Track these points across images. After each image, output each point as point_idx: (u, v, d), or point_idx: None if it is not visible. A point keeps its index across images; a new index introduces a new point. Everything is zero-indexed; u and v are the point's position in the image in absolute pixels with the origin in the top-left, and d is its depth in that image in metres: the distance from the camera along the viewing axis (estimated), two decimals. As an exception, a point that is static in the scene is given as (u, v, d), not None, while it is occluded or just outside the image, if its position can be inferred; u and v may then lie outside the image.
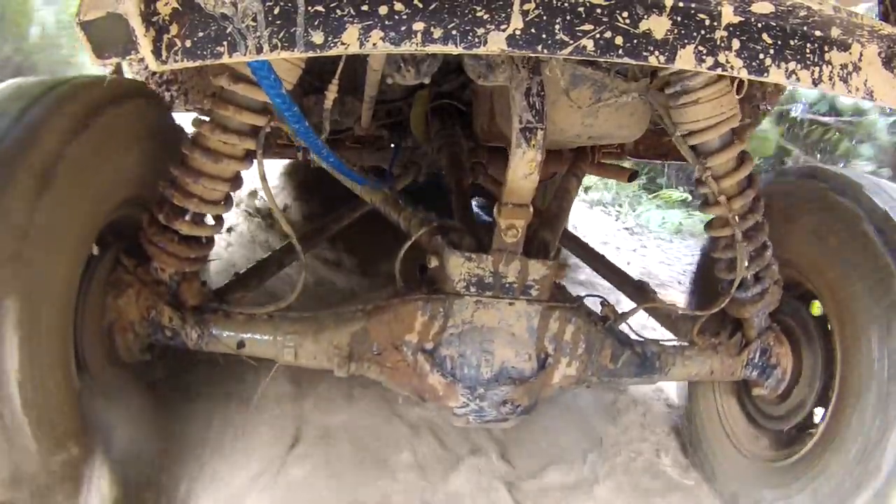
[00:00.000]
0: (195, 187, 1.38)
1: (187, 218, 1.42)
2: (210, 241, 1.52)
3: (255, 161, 1.35)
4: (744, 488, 1.75)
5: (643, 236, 5.17)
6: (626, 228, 5.32)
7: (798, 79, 0.93)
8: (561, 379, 1.56)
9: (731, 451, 1.85)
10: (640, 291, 1.98)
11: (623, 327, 1.64)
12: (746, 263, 1.51)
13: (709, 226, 1.60)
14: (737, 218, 1.46)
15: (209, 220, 1.49)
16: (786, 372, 1.70)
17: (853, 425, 1.47)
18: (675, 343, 1.72)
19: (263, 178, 1.35)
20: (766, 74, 0.91)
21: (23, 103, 1.17)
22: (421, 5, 0.83)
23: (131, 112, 1.39)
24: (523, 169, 1.30)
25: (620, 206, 5.87)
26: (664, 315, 1.89)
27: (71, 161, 1.17)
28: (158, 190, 1.40)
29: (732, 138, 1.40)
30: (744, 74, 0.91)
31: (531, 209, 1.41)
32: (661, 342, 1.70)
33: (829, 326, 1.63)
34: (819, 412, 1.64)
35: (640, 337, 1.68)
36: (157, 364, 1.61)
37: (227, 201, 1.47)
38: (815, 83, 0.94)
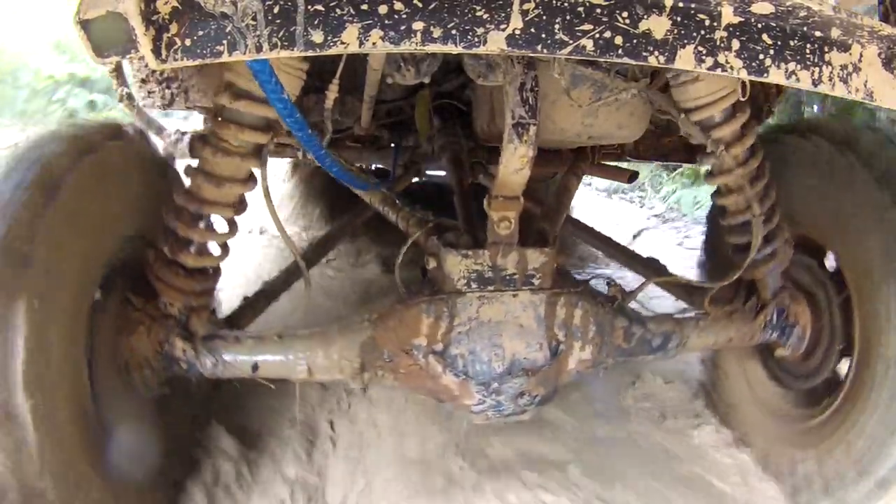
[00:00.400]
0: (199, 215, 1.40)
1: (192, 250, 1.44)
2: (217, 272, 1.53)
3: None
4: (777, 450, 1.74)
5: (680, 223, 4.53)
6: (657, 216, 4.74)
7: (798, 79, 0.93)
8: (577, 364, 1.55)
9: (761, 413, 1.84)
10: (650, 267, 1.98)
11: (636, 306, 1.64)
12: (761, 221, 1.50)
13: (717, 193, 1.60)
14: (748, 187, 1.46)
15: (215, 250, 1.50)
16: (805, 329, 1.69)
17: (879, 374, 1.46)
18: (689, 315, 1.71)
19: (267, 196, 1.36)
20: (765, 75, 0.91)
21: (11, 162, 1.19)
22: (420, 5, 0.83)
23: (114, 154, 1.39)
24: (514, 164, 1.30)
25: (642, 190, 5.34)
26: (678, 287, 1.88)
27: (61, 207, 1.18)
28: (160, 224, 1.42)
29: (735, 111, 1.40)
30: (743, 75, 0.91)
31: (522, 201, 1.41)
32: (674, 315, 1.69)
33: (843, 278, 1.62)
34: (845, 366, 1.62)
35: (652, 312, 1.67)
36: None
37: (232, 228, 1.48)
38: (815, 84, 0.94)
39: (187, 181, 1.41)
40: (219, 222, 1.48)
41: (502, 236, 1.44)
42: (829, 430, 1.57)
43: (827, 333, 1.67)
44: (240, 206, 1.45)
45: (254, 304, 1.77)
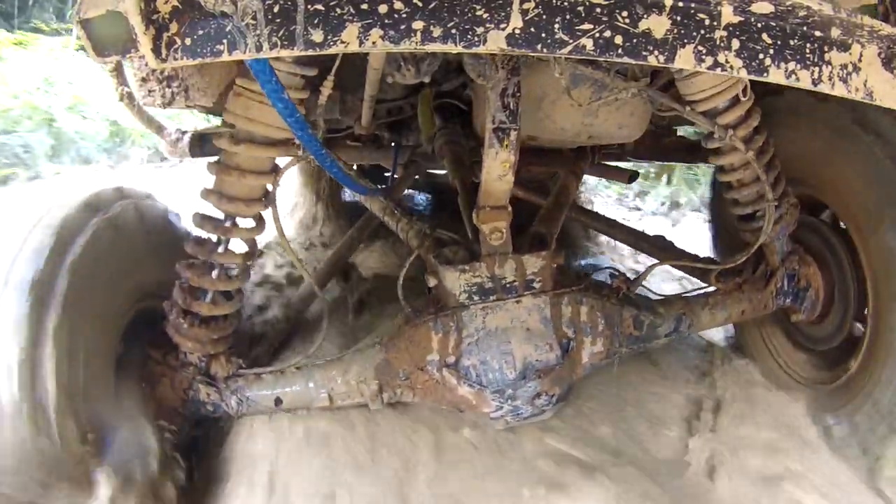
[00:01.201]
0: (211, 262, 1.43)
1: (207, 299, 1.46)
2: (234, 317, 1.56)
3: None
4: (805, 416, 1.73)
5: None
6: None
7: (798, 79, 0.93)
8: (590, 357, 1.56)
9: (787, 380, 1.83)
10: (657, 246, 1.98)
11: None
12: (773, 198, 1.50)
13: (720, 170, 1.60)
14: (756, 164, 1.45)
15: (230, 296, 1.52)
16: (819, 291, 1.69)
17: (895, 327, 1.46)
18: (698, 292, 1.71)
19: (282, 234, 1.38)
20: (765, 74, 0.91)
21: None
22: (420, 4, 0.83)
23: (121, 216, 1.43)
24: (497, 170, 1.30)
25: (676, 205, 5.11)
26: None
27: (74, 271, 1.23)
28: (172, 278, 1.45)
29: (738, 97, 1.40)
30: (743, 74, 0.90)
31: (510, 210, 1.42)
32: (683, 295, 1.70)
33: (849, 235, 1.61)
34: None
35: (660, 295, 1.67)
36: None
37: (245, 273, 1.50)
38: (815, 83, 0.94)
39: (195, 231, 1.46)
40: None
41: (496, 247, 1.45)
42: (855, 390, 1.56)
43: (841, 293, 1.66)
44: (250, 251, 1.49)
45: (272, 337, 1.85)
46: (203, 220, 1.41)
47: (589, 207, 3.95)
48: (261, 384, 1.54)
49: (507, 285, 1.48)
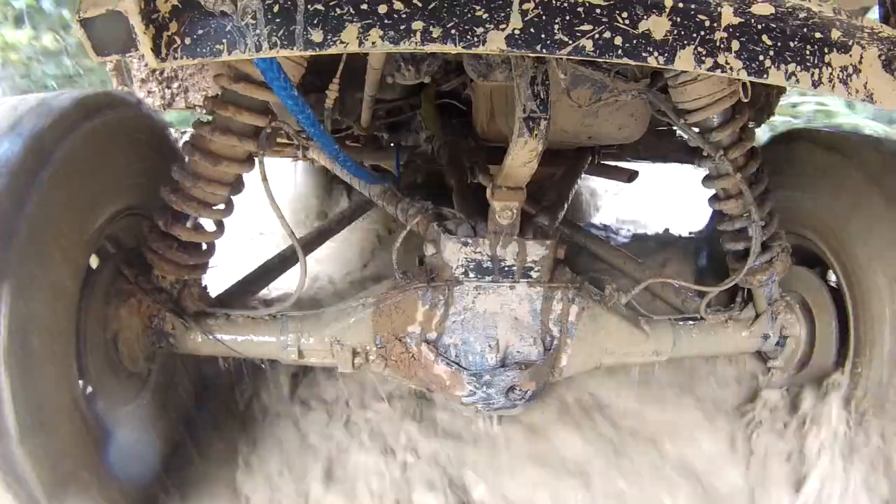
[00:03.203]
0: (195, 191, 1.38)
1: (188, 224, 1.43)
2: (211, 248, 1.52)
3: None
4: None
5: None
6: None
7: (798, 80, 0.93)
8: (569, 361, 1.55)
9: None
10: (646, 270, 1.98)
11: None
12: (762, 229, 1.50)
13: (714, 198, 1.59)
14: (747, 191, 1.44)
15: (210, 225, 1.49)
16: (799, 341, 1.69)
17: (869, 380, 1.48)
18: (685, 318, 1.70)
19: (265, 179, 1.35)
20: (765, 76, 0.91)
21: (15, 116, 1.18)
22: (420, 4, 0.83)
23: (119, 120, 1.39)
24: (523, 157, 1.28)
25: None
26: (671, 292, 1.87)
27: (59, 168, 1.17)
28: (156, 197, 1.40)
29: (734, 114, 1.40)
30: (743, 76, 0.90)
31: (525, 191, 1.40)
32: (671, 318, 1.69)
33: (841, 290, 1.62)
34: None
35: (648, 315, 1.67)
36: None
37: (228, 206, 1.47)
38: (815, 85, 0.94)
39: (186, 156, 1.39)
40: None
41: (503, 226, 1.42)
42: None
43: (823, 345, 1.66)
44: (236, 185, 1.43)
45: (248, 285, 1.75)
46: (193, 148, 1.36)
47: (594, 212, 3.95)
48: (230, 327, 1.49)
49: (506, 268, 1.46)
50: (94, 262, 1.38)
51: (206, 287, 1.55)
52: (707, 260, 2.09)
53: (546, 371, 1.53)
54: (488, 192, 1.40)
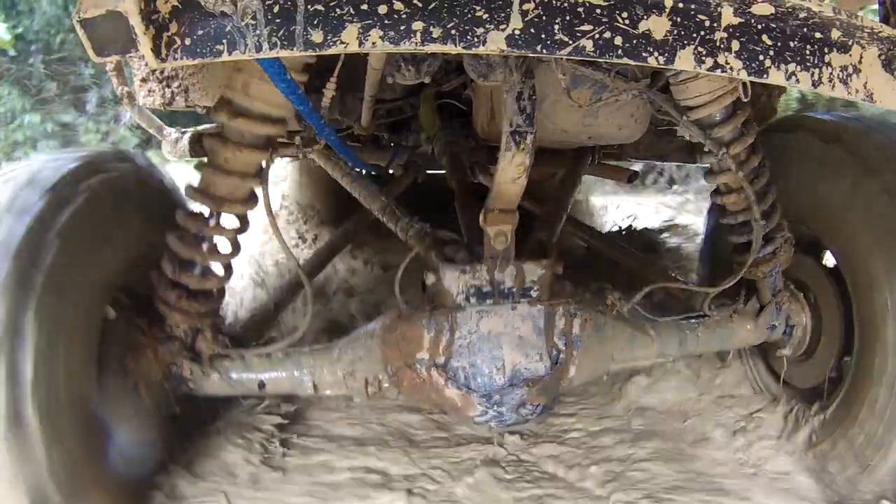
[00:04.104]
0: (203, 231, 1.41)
1: (195, 272, 1.45)
2: (221, 293, 1.54)
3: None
4: None
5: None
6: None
7: (798, 80, 0.93)
8: (578, 371, 1.56)
9: None
10: (650, 267, 1.98)
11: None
12: (763, 225, 1.50)
13: (716, 192, 1.60)
14: (748, 186, 1.45)
15: (219, 270, 1.51)
16: (806, 330, 1.70)
17: (877, 371, 1.46)
18: (691, 318, 1.71)
19: (270, 213, 1.37)
20: (765, 76, 0.91)
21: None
22: (420, 4, 0.83)
23: (120, 178, 1.41)
24: (511, 172, 1.30)
25: None
26: (676, 293, 1.88)
27: (67, 229, 1.21)
28: (164, 248, 1.43)
29: (735, 110, 1.40)
30: (743, 76, 0.90)
31: (517, 214, 1.42)
32: (675, 319, 1.70)
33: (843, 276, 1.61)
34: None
35: (652, 317, 1.67)
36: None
37: (235, 248, 1.49)
38: (815, 85, 0.94)
39: (189, 203, 1.44)
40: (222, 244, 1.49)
41: (499, 251, 1.44)
42: (833, 427, 1.57)
43: (829, 332, 1.66)
44: (241, 227, 1.47)
45: (260, 319, 1.81)
46: (195, 191, 1.38)
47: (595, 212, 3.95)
48: (245, 366, 1.52)
49: (505, 290, 1.48)
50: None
51: (220, 327, 1.57)
52: (709, 255, 2.09)
53: (555, 384, 1.54)
54: (481, 217, 1.42)
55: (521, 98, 1.23)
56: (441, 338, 1.47)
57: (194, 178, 1.43)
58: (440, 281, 1.49)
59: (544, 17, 0.84)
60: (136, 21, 0.82)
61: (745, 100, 1.33)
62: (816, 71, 0.93)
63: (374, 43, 0.83)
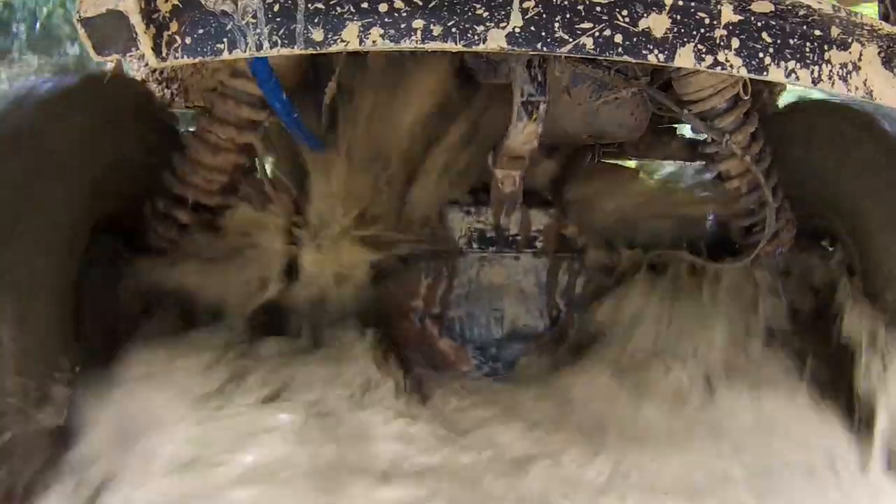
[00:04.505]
0: (194, 178, 1.38)
1: (188, 206, 1.43)
2: None
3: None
4: None
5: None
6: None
7: (797, 78, 0.93)
8: (576, 334, 1.53)
9: None
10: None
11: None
12: (773, 204, 1.48)
13: (717, 178, 1.58)
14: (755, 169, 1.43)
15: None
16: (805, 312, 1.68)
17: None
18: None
19: (263, 171, 1.36)
20: (765, 73, 0.91)
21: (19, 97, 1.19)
22: (421, 3, 0.83)
23: (126, 104, 1.39)
24: (522, 139, 1.25)
25: None
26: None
27: (61, 150, 1.18)
28: (157, 178, 1.40)
29: (736, 101, 1.40)
30: (743, 73, 0.91)
31: (527, 161, 1.37)
32: None
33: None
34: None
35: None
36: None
37: (228, 191, 1.47)
38: (815, 82, 0.94)
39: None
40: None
41: (506, 194, 1.40)
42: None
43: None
44: (235, 173, 1.43)
45: None
46: (192, 137, 1.38)
47: None
48: None
49: (510, 238, 1.44)
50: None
51: None
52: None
53: (553, 345, 1.51)
54: (490, 160, 1.38)
55: (531, 66, 1.18)
56: (438, 285, 1.44)
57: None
58: (443, 222, 1.45)
59: (544, 15, 0.84)
60: (136, 20, 0.82)
61: (745, 97, 1.33)
62: (816, 68, 0.93)
63: (374, 41, 0.83)
